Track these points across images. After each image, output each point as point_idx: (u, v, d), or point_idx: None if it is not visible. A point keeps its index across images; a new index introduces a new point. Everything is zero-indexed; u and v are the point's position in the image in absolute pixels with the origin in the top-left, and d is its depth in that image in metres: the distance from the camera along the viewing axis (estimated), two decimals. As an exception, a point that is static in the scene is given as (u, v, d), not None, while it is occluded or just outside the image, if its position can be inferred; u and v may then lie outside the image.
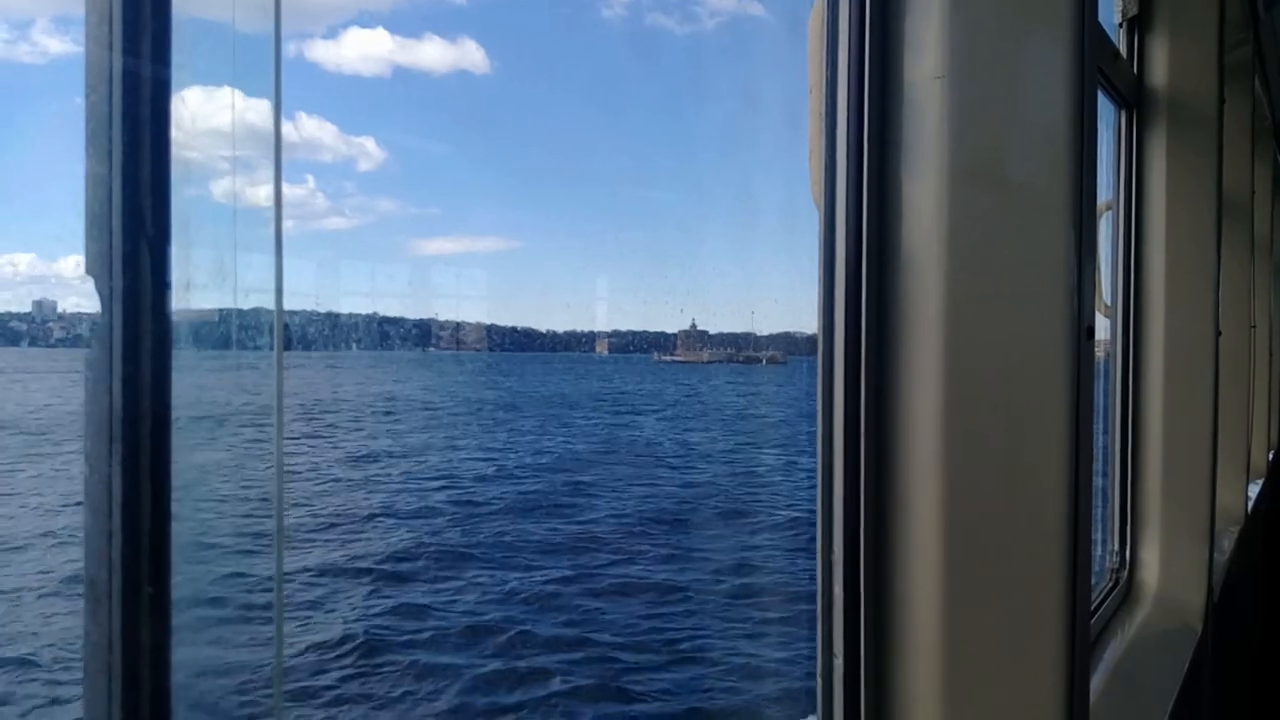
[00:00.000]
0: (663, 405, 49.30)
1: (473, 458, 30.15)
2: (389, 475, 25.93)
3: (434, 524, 20.04)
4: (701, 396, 54.91)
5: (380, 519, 20.15)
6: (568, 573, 15.85)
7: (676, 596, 14.20)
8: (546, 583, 15.07)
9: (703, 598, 14.26)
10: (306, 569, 15.64)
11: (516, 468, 27.92)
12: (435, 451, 31.17)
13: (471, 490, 24.16)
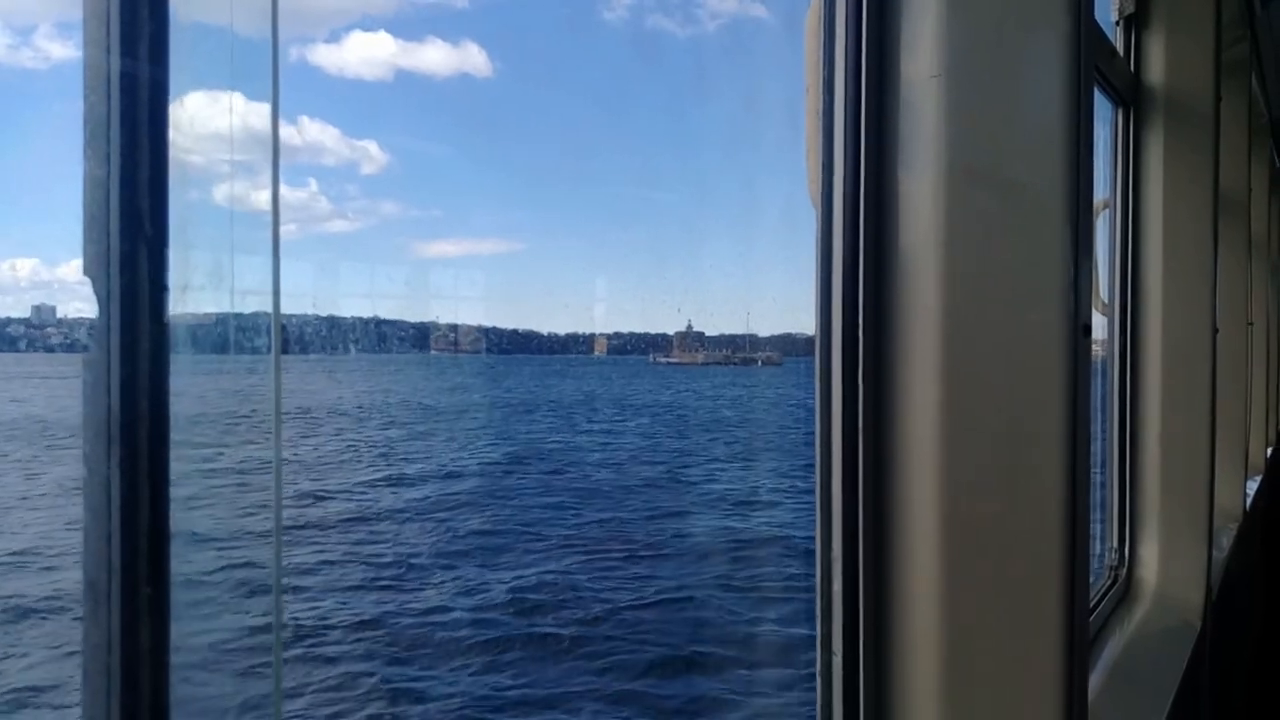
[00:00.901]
0: (621, 410, 47.15)
1: (350, 473, 25.95)
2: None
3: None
4: (673, 400, 53.03)
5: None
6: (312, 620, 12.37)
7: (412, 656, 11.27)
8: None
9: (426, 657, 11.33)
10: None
11: (384, 484, 24.12)
12: (309, 466, 26.78)
13: (289, 514, 19.98)
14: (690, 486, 25.25)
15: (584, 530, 19.37)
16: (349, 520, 20.24)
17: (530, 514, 21.19)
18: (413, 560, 16.59)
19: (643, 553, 17.09)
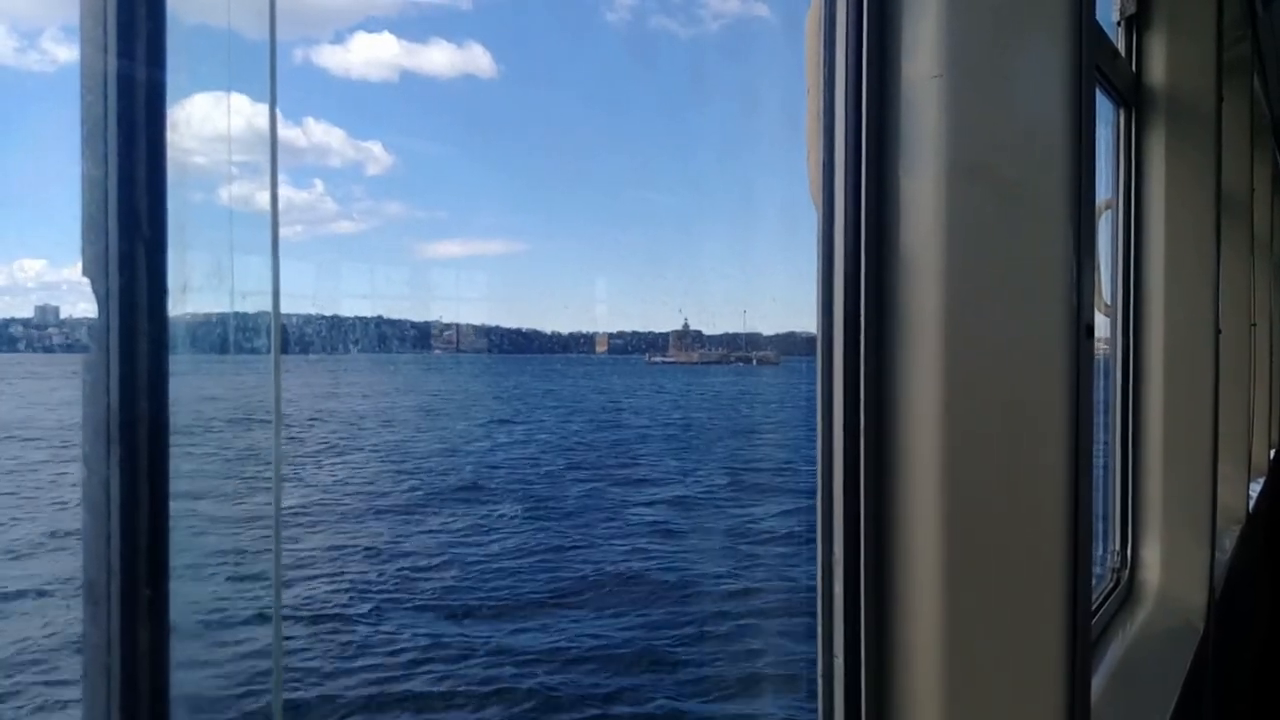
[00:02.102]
0: (561, 411, 44.71)
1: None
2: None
3: None
4: (630, 403, 50.64)
5: None
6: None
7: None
8: None
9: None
10: None
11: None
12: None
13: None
14: (540, 503, 22.89)
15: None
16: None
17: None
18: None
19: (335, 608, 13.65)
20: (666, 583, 15.19)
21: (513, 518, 21.38)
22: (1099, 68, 2.38)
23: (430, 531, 20.18)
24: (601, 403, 51.24)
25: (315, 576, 15.77)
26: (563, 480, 26.58)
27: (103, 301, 0.64)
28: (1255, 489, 4.90)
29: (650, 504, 22.80)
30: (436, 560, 17.57)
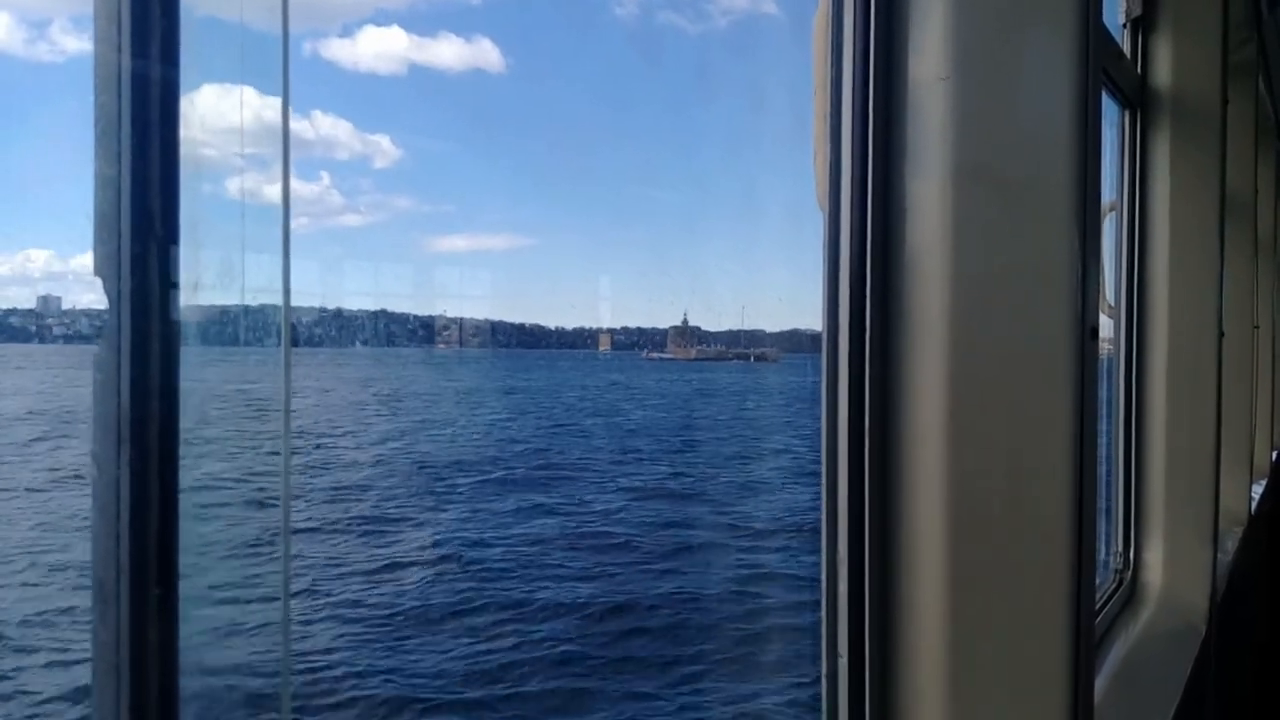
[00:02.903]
0: (506, 413, 41.99)
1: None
2: None
3: None
4: (603, 401, 48.66)
5: None
6: None
7: None
8: None
9: None
10: None
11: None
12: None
13: None
14: (396, 506, 20.86)
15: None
16: None
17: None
18: None
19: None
20: (441, 614, 13.07)
21: (346, 529, 18.92)
22: (1105, 70, 2.37)
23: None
24: (569, 400, 49.86)
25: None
26: (448, 483, 24.07)
27: (114, 301, 0.64)
28: (1257, 491, 4.90)
29: (517, 510, 20.72)
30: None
